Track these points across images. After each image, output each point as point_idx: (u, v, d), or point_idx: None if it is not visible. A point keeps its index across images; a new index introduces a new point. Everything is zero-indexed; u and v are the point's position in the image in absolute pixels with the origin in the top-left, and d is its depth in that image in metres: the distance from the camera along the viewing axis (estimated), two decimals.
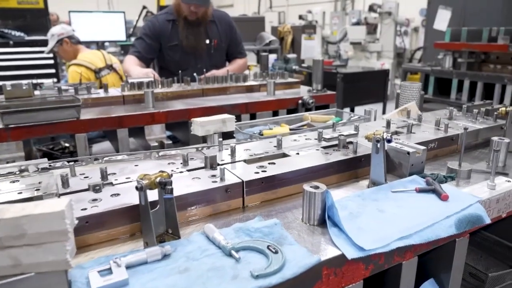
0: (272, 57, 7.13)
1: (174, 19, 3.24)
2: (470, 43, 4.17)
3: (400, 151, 1.29)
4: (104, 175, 1.09)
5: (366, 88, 6.28)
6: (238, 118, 2.41)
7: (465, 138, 1.29)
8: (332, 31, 10.96)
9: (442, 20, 6.15)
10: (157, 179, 0.87)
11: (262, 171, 1.17)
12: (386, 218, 1.04)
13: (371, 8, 9.81)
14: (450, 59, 4.40)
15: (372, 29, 10.95)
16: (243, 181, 1.10)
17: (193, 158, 1.28)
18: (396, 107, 2.13)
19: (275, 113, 2.60)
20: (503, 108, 1.53)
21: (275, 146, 1.39)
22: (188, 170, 1.19)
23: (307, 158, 1.27)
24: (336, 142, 1.39)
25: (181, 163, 1.23)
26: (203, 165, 1.21)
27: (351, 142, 1.42)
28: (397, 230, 0.97)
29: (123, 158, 1.33)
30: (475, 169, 1.35)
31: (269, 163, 1.23)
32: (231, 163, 1.24)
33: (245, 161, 1.28)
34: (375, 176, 1.22)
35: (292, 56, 6.60)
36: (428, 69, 4.79)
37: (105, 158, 1.33)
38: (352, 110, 7.08)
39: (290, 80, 3.03)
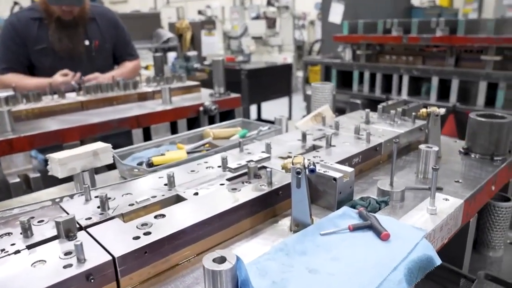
0: (172, 55, 6.65)
1: (41, 17, 2.66)
2: (367, 35, 4.21)
3: (324, 177, 1.04)
4: None
5: (271, 83, 6.17)
6: (129, 134, 2.00)
7: (395, 151, 1.08)
8: (233, 25, 10.78)
9: (336, 13, 6.28)
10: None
11: (145, 233, 0.81)
12: (321, 283, 0.76)
13: (269, 2, 9.82)
14: (350, 52, 4.42)
15: (271, 23, 11.00)
16: (114, 258, 0.74)
17: (42, 221, 0.87)
18: (308, 109, 1.90)
19: (174, 125, 2.23)
20: (424, 110, 1.38)
21: (165, 185, 1.04)
22: (29, 247, 0.78)
23: (208, 201, 0.95)
24: (245, 170, 1.09)
25: (21, 233, 0.82)
26: (55, 233, 0.82)
27: (264, 167, 1.13)
28: None
29: None
30: (407, 186, 1.15)
31: (156, 217, 0.88)
32: (100, 223, 0.87)
33: (122, 216, 0.91)
34: (298, 215, 0.94)
35: (192, 53, 6.22)
36: (328, 62, 4.79)
37: None
38: (259, 107, 6.97)
39: (189, 83, 2.68)
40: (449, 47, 3.59)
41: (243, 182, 1.05)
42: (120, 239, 0.80)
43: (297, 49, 11.28)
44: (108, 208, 0.92)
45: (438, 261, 0.87)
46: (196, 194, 0.99)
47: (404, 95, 3.92)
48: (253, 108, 7.04)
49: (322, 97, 1.74)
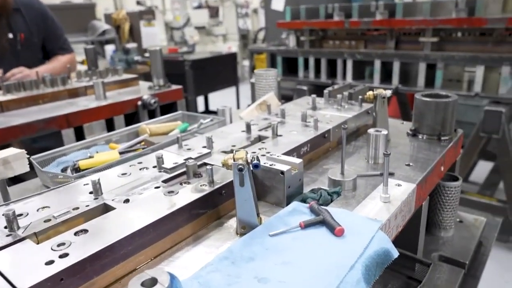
0: (110, 48, 6.28)
1: None
2: (309, 21, 4.18)
3: (271, 171, 0.95)
4: None
5: (216, 73, 6.02)
6: (59, 136, 1.80)
7: (345, 137, 1.01)
8: (175, 16, 10.42)
9: (279, 0, 6.23)
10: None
11: (62, 255, 0.68)
12: None
13: None
14: (294, 38, 4.38)
15: (214, 12, 10.79)
16: None
17: None
18: (253, 98, 1.81)
19: (110, 122, 2.05)
20: (371, 92, 1.33)
21: (91, 193, 0.90)
22: None
23: (141, 209, 0.82)
24: (183, 169, 0.97)
25: None
26: None
27: (205, 164, 1.02)
28: None
29: None
30: (359, 173, 1.09)
31: (76, 233, 0.74)
32: (8, 246, 0.72)
33: (36, 235, 0.77)
34: (244, 216, 0.84)
35: (132, 45, 5.91)
36: (273, 49, 4.72)
37: None
38: (206, 98, 6.80)
39: (126, 76, 2.48)
40: (389, 30, 3.65)
41: (181, 183, 0.93)
42: (29, 266, 0.66)
43: (242, 38, 11.17)
44: (18, 228, 0.77)
45: (395, 254, 0.81)
46: (127, 201, 0.86)
47: (349, 79, 3.95)
48: (200, 100, 6.86)
49: (266, 84, 1.65)
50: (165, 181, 0.94)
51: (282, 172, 0.92)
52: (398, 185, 1.03)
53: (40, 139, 1.98)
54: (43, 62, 2.81)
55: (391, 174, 1.10)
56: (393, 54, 3.61)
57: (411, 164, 1.17)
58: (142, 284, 0.57)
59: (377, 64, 3.72)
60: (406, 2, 3.68)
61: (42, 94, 2.08)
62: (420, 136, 1.39)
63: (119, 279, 0.73)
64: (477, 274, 1.32)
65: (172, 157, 1.08)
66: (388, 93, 1.33)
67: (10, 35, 2.57)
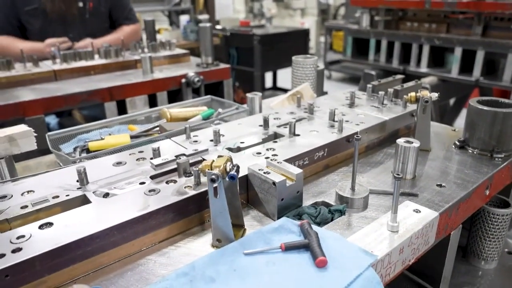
0: (185, 18, 6.38)
1: None
2: None
3: (264, 180, 0.85)
4: None
5: (286, 49, 5.84)
6: (102, 108, 1.85)
7: (357, 149, 0.87)
8: None
9: None
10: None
11: (14, 249, 0.66)
12: None
13: None
14: (368, 17, 4.06)
15: None
16: None
17: None
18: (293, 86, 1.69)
19: (153, 98, 2.06)
20: (413, 94, 1.14)
21: (77, 181, 0.88)
22: None
23: (114, 206, 0.78)
24: (174, 166, 0.92)
25: None
26: None
27: (201, 161, 0.96)
28: None
29: None
30: (374, 189, 0.95)
31: (41, 226, 0.73)
32: None
33: (7, 221, 0.76)
34: (219, 228, 0.77)
35: (204, 17, 5.94)
36: (347, 27, 4.43)
37: None
38: (275, 74, 6.69)
39: (177, 51, 2.47)
40: (477, 14, 3.20)
41: (167, 182, 0.87)
42: None
43: (322, 13, 10.71)
44: None
45: None
46: (107, 195, 0.83)
47: (424, 67, 3.58)
48: (268, 76, 6.78)
49: (303, 73, 1.51)
50: (152, 177, 0.89)
51: (274, 183, 0.82)
52: (417, 211, 0.87)
53: (93, 108, 2.06)
54: (109, 31, 2.91)
55: (414, 195, 0.94)
56: (478, 41, 3.18)
57: (444, 184, 0.99)
58: None
59: (458, 51, 3.31)
60: None
61: (94, 65, 2.15)
62: (469, 150, 1.18)
63: (75, 279, 0.71)
64: None
65: (174, 149, 1.03)
66: (434, 96, 1.14)
67: (80, 4, 2.69)
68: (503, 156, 1.12)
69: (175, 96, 2.13)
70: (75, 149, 1.16)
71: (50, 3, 2.56)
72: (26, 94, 1.79)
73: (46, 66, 2.09)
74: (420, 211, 0.87)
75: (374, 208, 0.90)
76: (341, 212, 0.88)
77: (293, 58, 1.55)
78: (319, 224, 0.85)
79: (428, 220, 0.84)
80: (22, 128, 1.02)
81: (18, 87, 1.91)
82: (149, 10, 6.19)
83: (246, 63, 5.69)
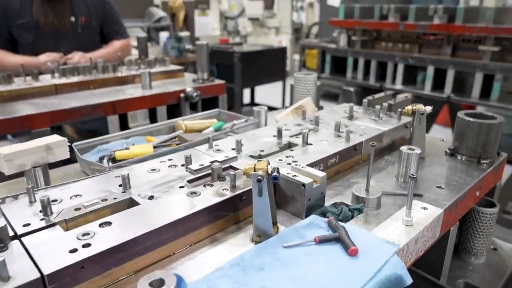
0: (164, 35, 6.46)
1: None
2: (362, 21, 4.07)
3: (292, 182, 0.95)
4: None
5: (265, 67, 6.02)
6: (104, 121, 1.90)
7: (372, 155, 0.99)
8: (230, 5, 10.53)
9: None
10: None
11: (85, 245, 0.73)
12: None
13: None
14: (345, 37, 4.29)
15: (269, 4, 10.77)
16: (43, 276, 0.65)
17: None
18: (291, 101, 1.81)
19: (152, 112, 2.13)
20: (409, 107, 1.29)
21: (120, 186, 0.95)
22: None
23: (163, 207, 0.86)
24: (209, 171, 1.01)
25: None
26: None
27: (231, 168, 1.05)
28: None
29: None
30: (385, 191, 1.07)
31: (101, 225, 0.80)
32: (37, 231, 0.78)
33: (66, 222, 0.83)
34: (260, 225, 0.86)
35: (185, 34, 6.05)
36: (323, 46, 4.65)
37: None
38: (252, 91, 6.85)
39: (172, 67, 2.56)
40: (447, 35, 3.48)
41: (204, 185, 0.96)
42: (55, 251, 0.71)
43: (295, 31, 11.07)
44: (51, 213, 0.83)
45: (408, 281, 0.79)
46: (152, 198, 0.91)
47: (399, 84, 3.82)
48: (246, 92, 6.92)
49: (304, 88, 1.64)
50: (190, 181, 0.98)
51: (304, 185, 0.93)
52: (424, 209, 1.00)
53: (88, 122, 2.10)
54: (100, 45, 2.96)
55: (420, 196, 1.07)
56: (448, 61, 3.45)
57: (443, 186, 1.13)
58: (150, 284, 0.61)
59: (430, 70, 3.56)
60: (468, 7, 3.48)
61: (93, 79, 2.20)
62: (458, 157, 1.33)
63: (136, 271, 0.78)
64: None
65: (200, 157, 1.12)
66: (428, 109, 1.29)
67: (72, 18, 2.73)
68: (488, 161, 1.28)
69: (173, 111, 2.21)
70: (101, 158, 1.23)
71: (43, 17, 2.59)
72: (29, 108, 1.82)
73: (46, 80, 2.13)
74: (427, 208, 1.00)
75: (387, 207, 1.02)
76: (360, 211, 0.99)
77: (295, 74, 1.67)
78: (341, 221, 0.96)
79: (435, 215, 0.97)
80: (56, 138, 1.08)
81: (19, 100, 1.94)
82: (128, 26, 6.22)
83: (226, 79, 5.80)
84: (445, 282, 1.17)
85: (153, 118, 2.12)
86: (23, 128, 1.73)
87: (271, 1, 10.66)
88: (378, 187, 1.05)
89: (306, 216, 0.95)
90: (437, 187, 1.13)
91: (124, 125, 2.02)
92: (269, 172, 0.83)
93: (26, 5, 2.56)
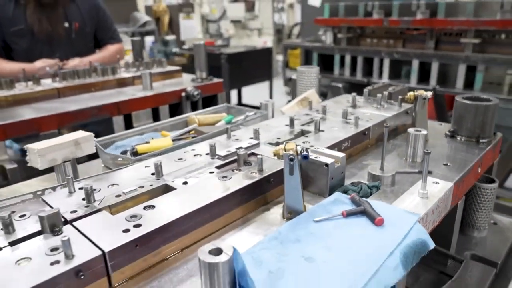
0: (150, 40, 6.48)
1: None
2: (348, 18, 4.19)
3: (315, 163, 1.02)
4: None
5: (251, 67, 6.10)
6: (109, 122, 1.94)
7: (386, 135, 1.07)
8: (211, 8, 10.58)
9: None
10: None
11: (135, 225, 0.78)
12: (318, 271, 0.75)
13: None
14: (331, 35, 4.40)
15: (250, 6, 10.86)
16: (104, 253, 0.70)
17: (24, 216, 0.83)
18: (293, 95, 1.88)
19: (155, 111, 2.18)
20: (411, 93, 1.37)
21: (153, 174, 1.00)
22: (12, 244, 0.74)
23: (199, 190, 0.92)
24: (235, 157, 1.06)
25: (2, 229, 0.77)
26: (39, 228, 0.77)
27: (253, 154, 1.11)
28: None
29: None
30: (397, 170, 1.15)
31: (145, 208, 0.85)
32: (85, 216, 0.83)
33: (109, 208, 0.87)
34: (291, 202, 0.93)
35: (171, 38, 6.09)
36: (308, 45, 4.75)
37: None
38: (239, 92, 6.91)
39: (169, 68, 2.60)
40: (429, 30, 3.61)
41: (233, 170, 1.02)
42: (109, 232, 0.76)
43: (277, 32, 11.19)
44: (94, 200, 0.88)
45: (431, 245, 0.87)
46: (186, 183, 0.96)
47: (385, 79, 3.94)
48: (233, 93, 6.98)
49: (308, 81, 1.71)
50: (218, 167, 1.04)
51: (327, 165, 1.00)
52: (436, 183, 1.08)
53: (91, 124, 2.13)
54: (94, 50, 2.98)
55: (429, 173, 1.15)
56: (432, 54, 3.58)
57: (448, 164, 1.21)
58: (209, 252, 0.67)
59: (415, 64, 3.69)
60: (449, 2, 3.63)
61: (94, 82, 2.22)
62: (458, 138, 1.42)
63: (181, 250, 0.83)
64: (509, 275, 1.35)
65: (221, 146, 1.17)
66: (429, 94, 1.37)
67: (66, 24, 2.74)
68: (486, 141, 1.37)
69: (174, 110, 2.26)
70: (123, 152, 1.27)
71: (37, 24, 2.59)
72: (35, 111, 1.84)
73: (47, 84, 2.14)
74: (438, 183, 1.08)
75: (400, 184, 1.10)
76: (377, 188, 1.07)
77: (298, 68, 1.75)
78: (362, 197, 1.03)
79: (447, 188, 1.05)
80: (83, 133, 1.12)
81: (23, 104, 1.95)
82: None
83: None
84: (454, 254, 1.26)
85: (155, 118, 2.16)
86: (31, 131, 1.75)
87: (252, 3, 10.76)
88: (390, 167, 1.13)
89: (329, 195, 1.02)
90: (444, 164, 1.21)
91: (128, 125, 2.06)
92: (299, 152, 0.89)
93: (20, 12, 2.56)
